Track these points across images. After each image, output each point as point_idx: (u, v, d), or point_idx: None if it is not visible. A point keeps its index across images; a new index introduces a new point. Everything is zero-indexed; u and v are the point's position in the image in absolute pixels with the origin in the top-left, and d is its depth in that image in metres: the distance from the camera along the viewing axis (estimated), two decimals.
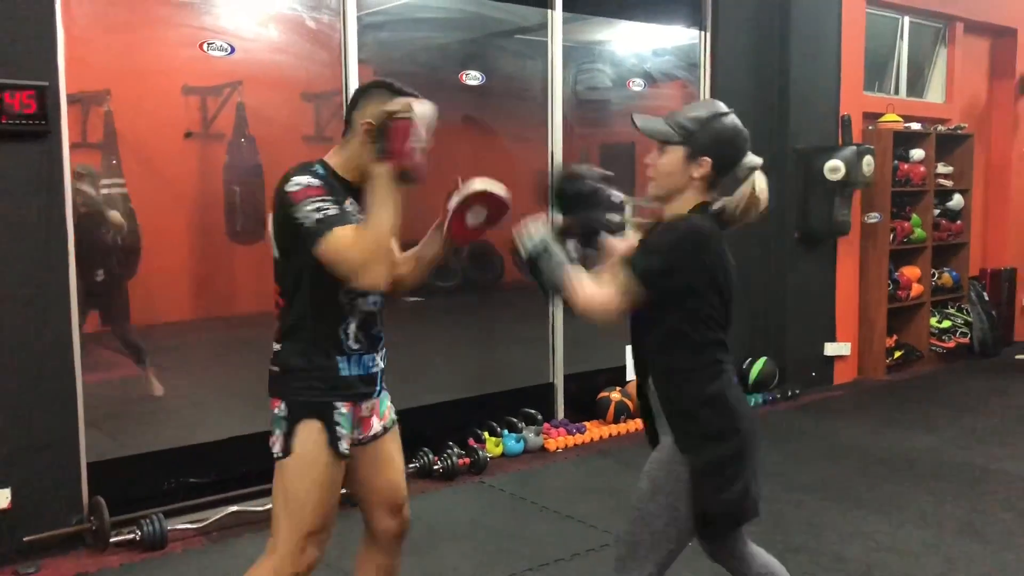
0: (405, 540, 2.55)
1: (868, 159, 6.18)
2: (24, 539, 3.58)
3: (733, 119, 2.25)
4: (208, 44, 4.03)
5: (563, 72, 5.22)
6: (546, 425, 5.19)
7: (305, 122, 4.62)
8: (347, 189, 2.28)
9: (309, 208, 2.14)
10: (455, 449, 4.67)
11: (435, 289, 5.07)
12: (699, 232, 2.17)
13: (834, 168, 6.09)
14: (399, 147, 2.14)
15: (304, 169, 2.23)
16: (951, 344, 7.39)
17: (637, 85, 5.72)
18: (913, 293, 7.11)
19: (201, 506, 3.98)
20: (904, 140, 6.98)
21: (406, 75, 4.78)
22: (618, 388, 5.51)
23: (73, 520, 3.74)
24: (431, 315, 5.22)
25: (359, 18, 4.42)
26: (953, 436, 5.32)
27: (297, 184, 2.18)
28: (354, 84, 4.41)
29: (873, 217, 6.74)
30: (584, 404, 5.51)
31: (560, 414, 5.41)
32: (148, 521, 3.74)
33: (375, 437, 2.43)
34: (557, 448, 5.08)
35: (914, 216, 7.15)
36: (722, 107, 2.27)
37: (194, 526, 3.88)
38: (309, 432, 2.26)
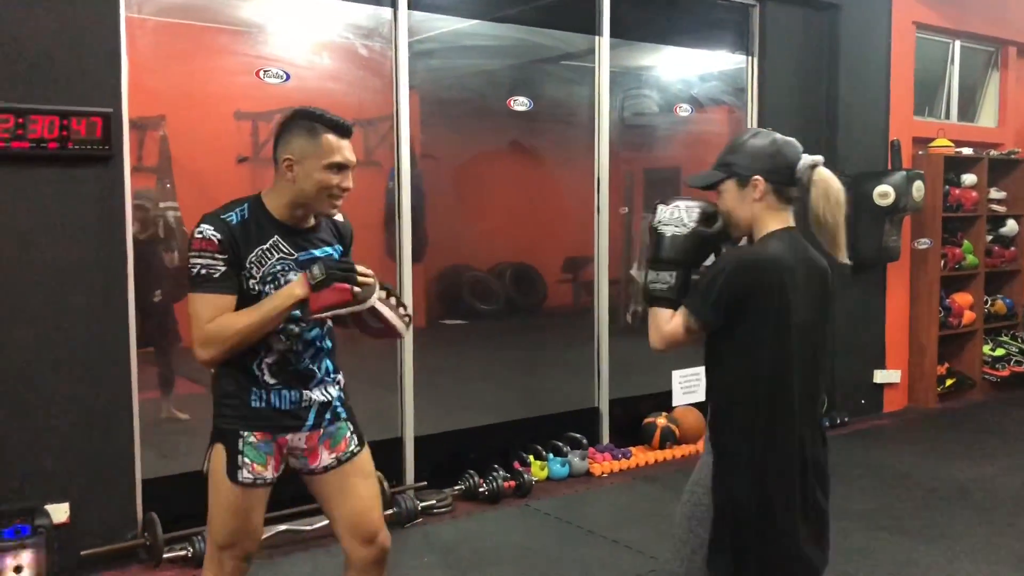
0: (384, 565, 2.54)
1: (918, 184, 6.11)
2: (82, 553, 3.66)
3: (768, 133, 2.23)
4: (264, 71, 4.12)
5: (610, 98, 5.26)
6: (591, 450, 5.18)
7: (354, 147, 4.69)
8: (278, 227, 2.33)
9: (198, 260, 2.24)
10: (500, 472, 4.68)
11: (478, 313, 5.10)
12: (747, 259, 2.15)
13: (884, 193, 6.03)
14: (326, 301, 2.22)
15: (214, 218, 2.27)
16: (1005, 372, 7.23)
17: (684, 110, 5.74)
18: (965, 320, 6.99)
19: None
20: (955, 165, 6.89)
21: (456, 102, 4.88)
22: (664, 413, 5.49)
23: (128, 536, 3.82)
24: (474, 339, 5.25)
25: (410, 45, 4.50)
26: (1007, 466, 5.20)
27: (199, 233, 2.26)
28: (404, 110, 4.49)
29: (924, 243, 6.66)
30: (629, 429, 5.49)
31: (605, 439, 5.40)
32: (200, 538, 3.79)
33: (327, 468, 2.46)
34: (602, 473, 5.07)
35: (966, 242, 7.04)
36: (753, 129, 2.28)
37: None
38: (216, 456, 2.37)
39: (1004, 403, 6.89)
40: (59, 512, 3.63)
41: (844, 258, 2.19)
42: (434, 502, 4.43)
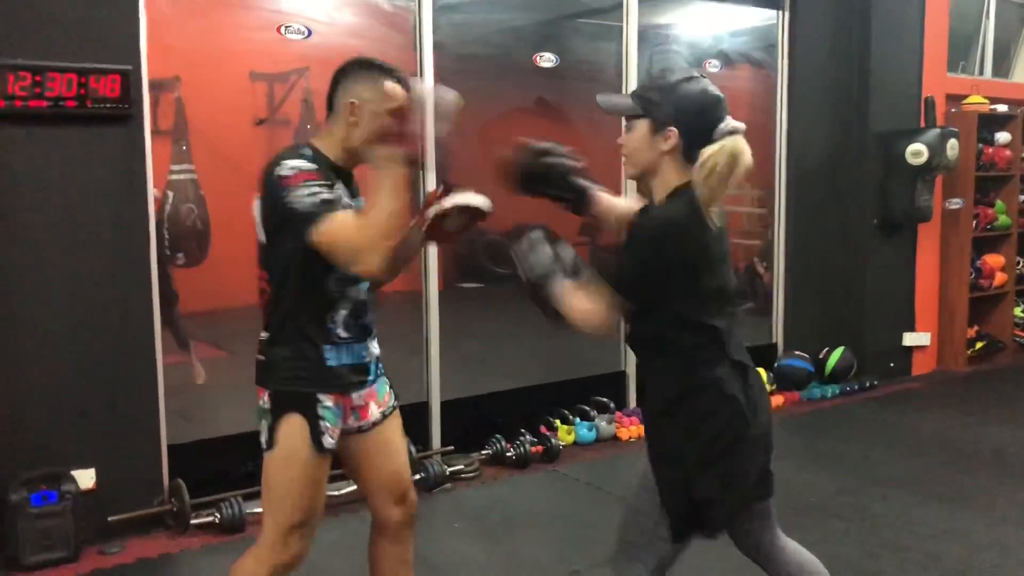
0: (414, 527, 2.48)
1: (952, 142, 5.95)
2: (108, 519, 3.62)
3: (702, 83, 2.04)
4: (285, 28, 4.00)
5: (638, 54, 5.11)
6: (618, 414, 5.11)
7: None
8: (337, 174, 2.22)
9: (304, 192, 2.07)
10: (527, 437, 4.62)
11: (495, 276, 5.00)
12: (667, 225, 1.98)
13: (916, 152, 5.88)
14: (407, 131, 2.08)
15: (295, 152, 2.16)
16: None
17: (713, 67, 5.58)
18: (996, 282, 6.85)
19: None
20: (988, 123, 6.71)
21: (481, 58, 4.74)
22: None
23: (155, 502, 3.78)
24: (495, 303, 5.16)
25: (434, 0, 4.37)
26: None
27: (291, 168, 2.11)
28: (429, 67, 4.37)
29: (955, 203, 6.51)
30: None
31: (632, 403, 5.33)
32: (227, 504, 3.75)
33: (374, 424, 2.38)
34: (630, 437, 5.00)
35: (998, 202, 6.88)
36: (691, 72, 2.08)
37: None
38: (291, 426, 2.20)
39: None
40: (85, 478, 3.59)
41: (714, 220, 2.01)
42: (462, 467, 4.38)
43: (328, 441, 2.23)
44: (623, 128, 2.09)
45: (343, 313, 2.25)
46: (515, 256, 2.13)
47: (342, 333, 2.25)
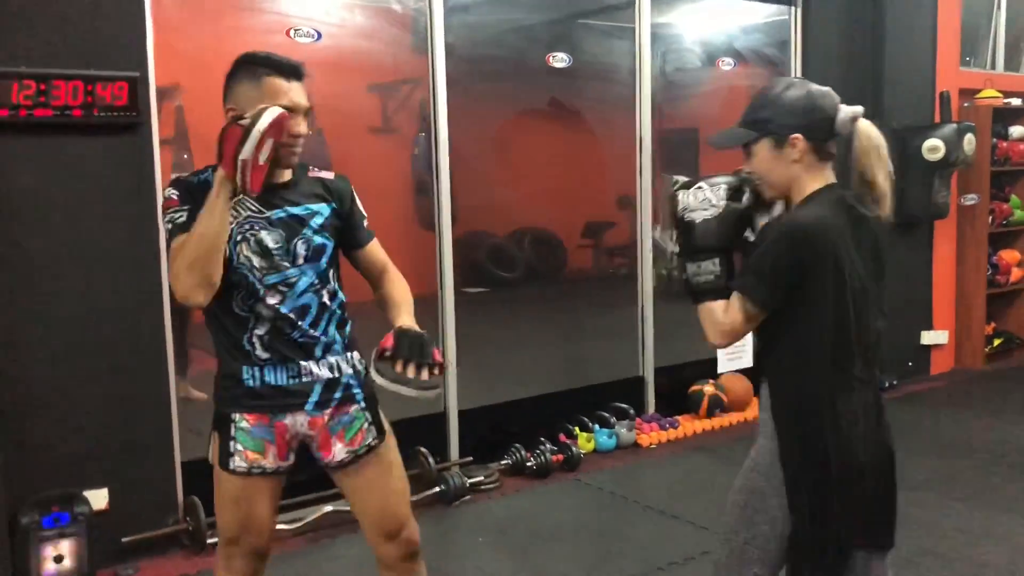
0: (417, 560, 2.34)
1: (969, 137, 5.85)
2: (123, 540, 3.51)
3: (802, 83, 1.99)
4: (295, 31, 3.90)
5: (651, 53, 5.02)
6: (637, 420, 5.01)
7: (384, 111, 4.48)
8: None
9: (166, 221, 2.10)
10: (547, 445, 4.51)
11: (499, 280, 4.90)
12: (796, 229, 1.89)
13: (933, 147, 5.78)
14: (227, 154, 1.99)
15: (176, 180, 2.16)
16: None
17: (727, 65, 5.48)
18: (1013, 278, 6.76)
19: (294, 506, 3.87)
20: (1002, 117, 6.62)
21: (493, 59, 4.64)
22: (711, 381, 5.30)
23: (169, 521, 3.67)
24: (505, 308, 5.06)
25: (445, 1, 4.27)
26: None
27: (164, 197, 2.15)
28: (440, 69, 4.27)
29: (971, 199, 6.42)
30: (673, 398, 5.31)
31: (651, 408, 5.22)
32: None
33: (343, 464, 2.24)
34: (650, 444, 4.90)
35: (1013, 197, 6.80)
36: (783, 80, 2.03)
37: (289, 527, 3.77)
38: (214, 444, 2.22)
39: None
40: (98, 498, 3.48)
41: (889, 216, 1.96)
42: (482, 478, 4.28)
43: (237, 463, 2.17)
44: (744, 157, 2.02)
45: (259, 332, 2.14)
46: (683, 202, 2.00)
47: (260, 353, 2.15)
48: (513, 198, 4.85)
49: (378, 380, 2.03)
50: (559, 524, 3.86)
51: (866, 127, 1.95)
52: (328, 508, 3.84)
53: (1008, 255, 6.75)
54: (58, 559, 3.33)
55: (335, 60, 4.07)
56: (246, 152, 1.98)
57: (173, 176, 2.20)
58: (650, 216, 5.17)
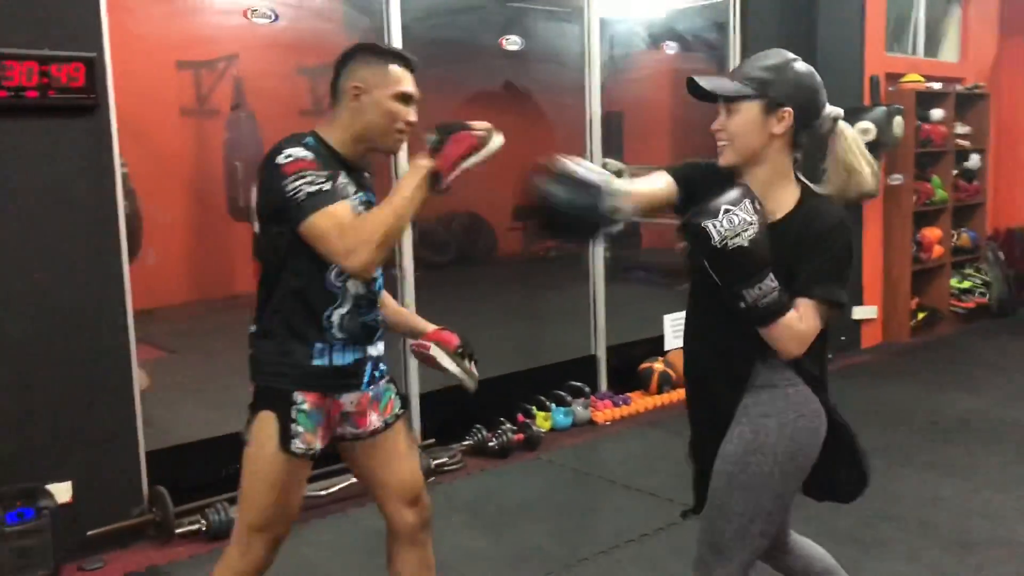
0: (430, 529, 2.40)
1: (898, 120, 6.10)
2: (88, 533, 3.43)
3: (806, 64, 1.98)
4: (252, 11, 3.83)
5: (601, 35, 5.08)
6: (592, 398, 5.10)
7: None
8: (341, 164, 2.15)
9: (302, 182, 2.00)
10: (508, 425, 4.56)
11: (431, 263, 4.93)
12: (847, 227, 1.94)
13: (864, 129, 5.99)
14: (453, 155, 2.04)
15: (296, 141, 2.09)
16: (971, 304, 7.38)
17: (671, 49, 5.59)
18: (934, 255, 7.08)
19: None
20: (923, 100, 6.92)
21: (449, 41, 4.64)
22: (660, 358, 5.43)
23: (135, 512, 3.59)
24: (461, 289, 5.09)
25: None
26: (998, 397, 5.30)
27: (289, 156, 2.04)
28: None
29: (896, 179, 6.69)
30: (623, 375, 5.42)
31: (604, 386, 5.32)
32: (214, 510, 3.59)
33: (375, 432, 2.29)
34: (605, 421, 5.00)
35: (934, 177, 7.11)
36: (791, 54, 1.99)
37: None
38: (264, 424, 2.15)
39: (973, 334, 7.03)
40: (62, 492, 3.38)
41: (875, 192, 2.07)
42: (446, 459, 4.30)
43: (297, 445, 2.14)
44: (722, 112, 1.96)
45: (342, 311, 2.16)
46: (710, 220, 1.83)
47: (337, 333, 2.16)
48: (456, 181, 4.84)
49: (457, 373, 2.32)
50: (528, 501, 3.92)
51: (847, 128, 2.01)
52: None
53: (930, 233, 7.07)
54: (22, 554, 3.23)
55: (294, 40, 4.02)
56: (471, 163, 2.06)
57: (282, 141, 2.07)
58: None
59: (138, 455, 3.61)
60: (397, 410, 2.35)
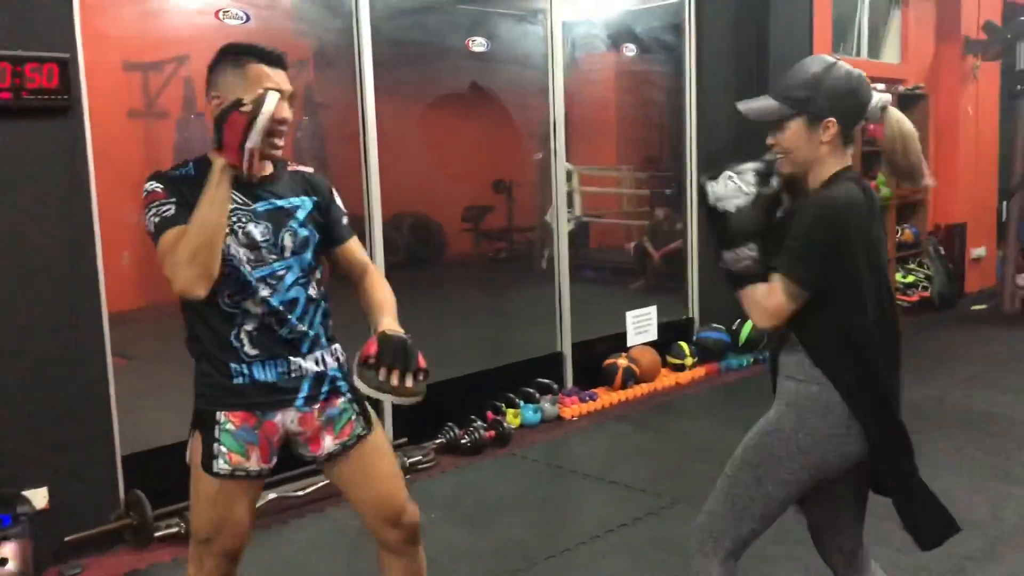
0: (417, 542, 2.34)
1: None
2: (65, 539, 3.40)
3: (843, 67, 2.04)
4: (224, 12, 3.82)
5: (563, 38, 5.17)
6: (559, 394, 5.18)
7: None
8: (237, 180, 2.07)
9: (150, 215, 2.04)
10: (479, 423, 4.61)
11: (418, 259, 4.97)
12: (830, 208, 1.97)
13: None
14: (233, 143, 1.97)
15: (158, 174, 2.11)
16: (915, 298, 7.66)
17: (629, 50, 5.70)
18: None
19: None
20: None
21: (417, 43, 4.67)
22: (624, 354, 5.53)
23: (111, 517, 3.56)
24: (426, 289, 5.11)
25: None
26: (948, 385, 5.51)
27: (145, 191, 2.08)
28: (367, 51, 4.27)
29: None
30: (588, 372, 5.51)
31: (570, 383, 5.40)
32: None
33: (332, 456, 2.23)
34: (572, 416, 5.08)
35: (879, 175, 7.34)
36: (827, 59, 2.06)
37: None
38: (194, 444, 2.17)
39: (918, 326, 7.26)
40: (38, 497, 3.34)
41: (929, 180, 2.11)
42: (419, 458, 4.34)
43: (220, 465, 2.12)
44: (772, 130, 2.05)
45: (248, 328, 2.12)
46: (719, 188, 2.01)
47: (249, 350, 2.12)
48: (406, 182, 4.85)
49: (362, 388, 1.99)
50: (505, 496, 3.98)
51: (895, 114, 2.07)
52: (272, 495, 3.82)
53: None
54: (1, 562, 3.18)
55: (265, 40, 4.01)
56: (253, 139, 1.97)
57: (155, 173, 2.10)
58: (564, 198, 5.33)
59: (114, 459, 3.59)
60: (360, 431, 2.25)
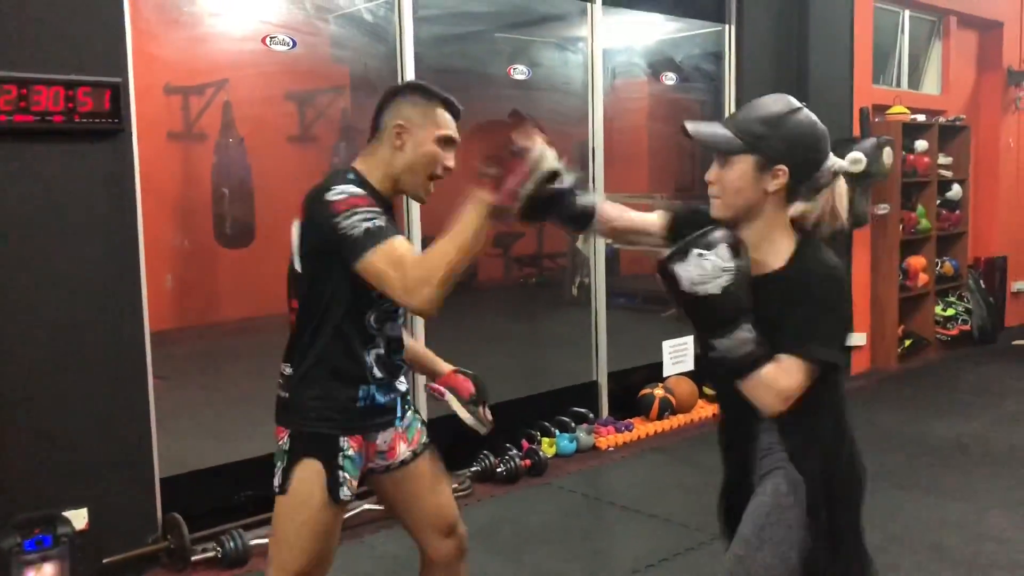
0: (465, 556, 2.37)
1: (888, 151, 6.24)
2: (104, 561, 3.40)
3: (808, 115, 1.84)
4: (271, 38, 3.86)
5: (603, 65, 5.17)
6: (595, 424, 5.13)
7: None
8: (380, 200, 2.08)
9: (356, 218, 1.95)
10: (515, 451, 4.58)
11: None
12: (841, 279, 1.83)
13: (855, 160, 6.11)
14: (512, 186, 1.93)
15: (341, 177, 2.06)
16: (954, 331, 7.53)
17: (669, 79, 5.69)
18: (920, 283, 7.23)
19: (262, 522, 3.81)
20: (908, 132, 7.08)
21: (459, 70, 4.70)
22: (660, 384, 5.48)
23: (149, 539, 3.56)
24: (459, 316, 5.09)
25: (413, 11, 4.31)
26: (992, 421, 5.41)
27: (341, 192, 1.99)
28: (410, 77, 4.29)
29: (883, 208, 6.83)
30: (623, 401, 5.45)
31: (605, 412, 5.36)
32: (228, 537, 3.57)
33: (404, 463, 2.28)
34: (608, 447, 5.03)
35: (919, 207, 7.27)
36: (794, 102, 1.85)
37: (264, 540, 3.71)
38: (307, 472, 2.09)
39: (958, 361, 7.17)
40: (78, 518, 3.35)
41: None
42: (455, 485, 4.30)
43: (345, 492, 2.12)
44: (716, 161, 1.86)
45: (379, 351, 2.15)
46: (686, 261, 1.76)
47: (378, 373, 2.14)
48: (445, 208, 4.87)
49: (468, 420, 2.36)
50: (542, 526, 3.93)
51: (841, 187, 1.87)
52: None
53: (915, 261, 7.22)
54: None
55: (310, 67, 4.06)
56: (529, 188, 1.94)
57: (326, 179, 2.05)
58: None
59: (153, 481, 3.59)
60: (424, 439, 2.34)
